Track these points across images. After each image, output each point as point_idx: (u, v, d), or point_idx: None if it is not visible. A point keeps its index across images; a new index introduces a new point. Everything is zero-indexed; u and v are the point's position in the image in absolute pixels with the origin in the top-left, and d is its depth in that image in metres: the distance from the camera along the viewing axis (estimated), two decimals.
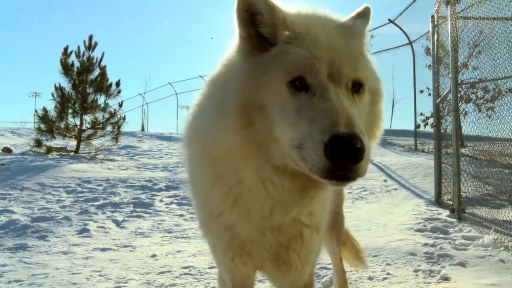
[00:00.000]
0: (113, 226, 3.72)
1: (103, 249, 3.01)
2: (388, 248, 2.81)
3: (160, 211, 4.36)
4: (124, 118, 9.81)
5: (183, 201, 4.67)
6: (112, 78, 10.01)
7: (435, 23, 4.66)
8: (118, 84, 9.74)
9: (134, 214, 4.17)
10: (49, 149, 8.70)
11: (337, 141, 0.71)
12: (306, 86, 0.82)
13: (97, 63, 9.45)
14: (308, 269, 1.11)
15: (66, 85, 9.24)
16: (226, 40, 0.97)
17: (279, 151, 0.84)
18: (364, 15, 1.02)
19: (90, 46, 9.43)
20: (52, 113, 9.09)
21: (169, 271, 2.50)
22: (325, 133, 0.72)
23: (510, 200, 3.62)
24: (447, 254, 2.66)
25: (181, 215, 4.19)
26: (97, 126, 9.46)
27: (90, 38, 9.49)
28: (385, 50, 11.01)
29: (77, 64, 9.30)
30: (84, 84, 9.29)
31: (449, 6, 3.94)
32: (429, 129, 8.70)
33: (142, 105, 22.99)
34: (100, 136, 9.62)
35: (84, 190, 5.19)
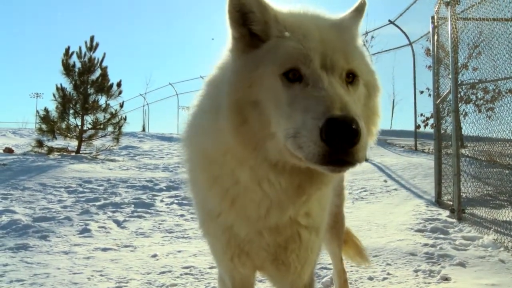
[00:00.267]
0: (114, 226, 3.73)
1: (104, 249, 3.02)
2: (388, 248, 2.82)
3: (161, 211, 4.37)
4: (125, 119, 9.85)
5: (184, 201, 4.68)
6: (113, 78, 10.07)
7: (435, 24, 4.67)
8: (119, 84, 9.77)
9: (135, 214, 4.18)
10: (51, 150, 8.73)
11: (332, 123, 0.70)
12: (300, 77, 0.81)
13: (98, 64, 9.48)
14: (308, 270, 1.11)
15: (68, 85, 9.29)
16: (227, 42, 0.97)
17: (275, 146, 0.83)
18: (360, 9, 1.02)
19: (92, 47, 9.47)
20: (54, 113, 9.14)
21: (170, 271, 2.50)
22: (319, 118, 0.71)
23: (510, 200, 3.62)
24: (447, 254, 2.66)
25: (182, 215, 4.20)
26: (98, 127, 9.50)
27: (92, 39, 9.53)
28: (386, 51, 11.03)
29: (78, 64, 9.35)
30: (86, 85, 9.33)
31: (449, 7, 3.95)
32: (429, 129, 8.70)
33: (143, 106, 23.05)
34: (101, 137, 9.65)
35: (85, 190, 5.20)
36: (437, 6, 4.60)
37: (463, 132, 4.31)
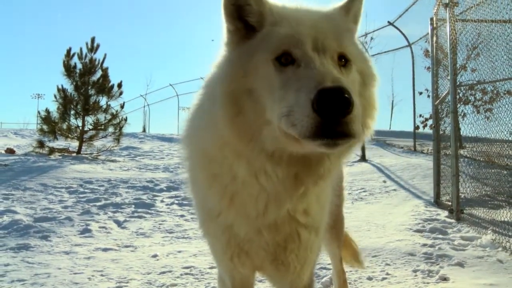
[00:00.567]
0: (114, 227, 3.75)
1: (105, 249, 3.03)
2: (387, 249, 2.83)
3: (161, 211, 4.39)
4: (125, 119, 9.89)
5: (184, 202, 4.70)
6: (114, 79, 10.10)
7: (434, 25, 4.69)
8: (120, 85, 9.81)
9: (136, 214, 4.19)
10: (52, 150, 8.76)
11: (323, 93, 0.70)
12: (292, 61, 0.82)
13: (99, 65, 9.52)
14: (307, 270, 1.10)
15: (69, 86, 9.34)
16: (223, 35, 0.98)
17: (271, 133, 0.83)
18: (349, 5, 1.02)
19: (93, 48, 9.50)
20: (55, 114, 9.17)
21: (170, 271, 2.52)
22: (311, 92, 0.71)
23: (508, 200, 3.63)
24: (445, 254, 2.67)
25: (182, 216, 4.21)
26: (99, 127, 9.53)
27: (93, 40, 9.57)
28: (385, 52, 11.06)
29: (79, 65, 9.39)
30: (86, 86, 9.36)
31: (448, 8, 3.97)
32: (428, 130, 8.70)
33: (144, 107, 23.08)
34: (102, 137, 9.68)
35: (86, 190, 5.22)
36: (436, 8, 4.62)
37: (461, 133, 4.33)
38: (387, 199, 4.95)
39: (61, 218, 3.86)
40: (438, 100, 4.57)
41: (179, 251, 2.98)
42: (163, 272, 2.51)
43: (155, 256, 2.86)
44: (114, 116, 9.60)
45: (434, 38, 4.71)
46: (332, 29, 0.88)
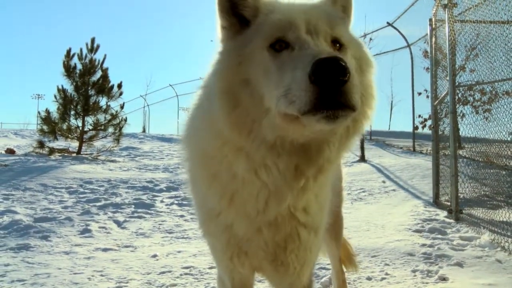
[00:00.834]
0: (114, 227, 3.76)
1: (105, 249, 3.04)
2: (386, 249, 2.83)
3: (161, 211, 4.39)
4: (125, 120, 9.89)
5: (184, 202, 4.71)
6: (114, 80, 10.11)
7: (433, 26, 4.71)
8: (119, 86, 9.81)
9: (135, 214, 4.20)
10: (52, 150, 8.77)
11: (319, 63, 0.69)
12: (287, 45, 0.83)
13: (99, 65, 9.53)
14: (307, 271, 1.09)
15: (69, 87, 9.34)
16: (217, 32, 0.99)
17: (271, 122, 0.82)
18: None
19: (93, 49, 9.51)
20: (55, 114, 9.18)
21: (169, 271, 2.52)
22: (307, 66, 0.71)
23: (507, 201, 3.64)
24: (444, 254, 2.67)
25: (182, 216, 4.22)
26: (99, 128, 9.53)
27: (93, 40, 9.58)
28: (384, 52, 11.07)
29: (79, 66, 9.39)
30: (86, 86, 9.37)
31: (446, 9, 3.98)
32: (427, 130, 8.72)
33: (144, 107, 23.06)
34: (102, 138, 9.68)
35: (86, 191, 5.23)
36: (434, 9, 4.64)
37: (460, 133, 4.34)
38: (386, 199, 4.96)
39: (61, 218, 3.86)
40: (437, 101, 4.58)
41: (179, 251, 2.99)
42: (163, 272, 2.52)
43: (154, 256, 2.87)
44: (114, 116, 9.61)
45: (433, 39, 4.73)
46: (323, 14, 0.89)
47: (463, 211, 3.69)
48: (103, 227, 3.69)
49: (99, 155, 9.05)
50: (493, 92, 4.53)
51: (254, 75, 0.84)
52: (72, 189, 5.26)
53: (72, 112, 9.33)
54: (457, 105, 4.22)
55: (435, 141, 4.64)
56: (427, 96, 7.73)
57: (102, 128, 9.54)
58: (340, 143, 0.90)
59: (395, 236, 3.21)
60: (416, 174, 6.11)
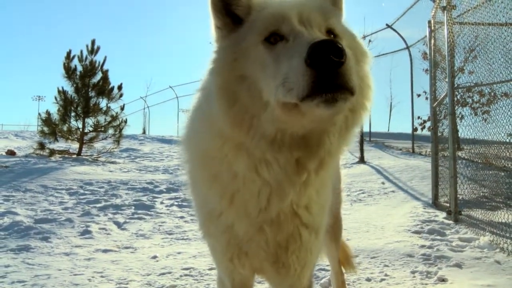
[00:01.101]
0: (114, 228, 3.76)
1: (105, 251, 3.04)
2: (386, 250, 2.84)
3: (161, 213, 4.40)
4: (125, 121, 9.92)
5: (184, 203, 4.72)
6: (114, 81, 10.14)
7: (432, 28, 4.73)
8: (120, 87, 9.84)
9: (135, 216, 4.21)
10: (52, 152, 8.78)
11: (315, 46, 0.69)
12: (281, 37, 0.83)
13: (100, 67, 9.56)
14: (307, 272, 1.09)
15: (69, 88, 9.37)
16: (211, 33, 1.00)
17: (270, 115, 0.82)
18: None
19: (93, 50, 9.55)
20: (55, 116, 9.20)
21: (169, 273, 2.53)
22: (303, 52, 0.71)
23: (506, 202, 3.64)
24: (444, 255, 2.68)
25: (182, 217, 4.23)
26: (99, 129, 9.56)
27: (93, 42, 9.62)
28: (383, 54, 11.10)
29: (79, 68, 9.43)
30: (87, 88, 9.40)
31: (445, 11, 4.01)
32: (426, 132, 8.71)
33: (144, 109, 23.10)
34: (102, 139, 9.71)
35: (86, 192, 5.24)
36: (433, 11, 4.67)
37: (459, 135, 4.35)
38: (385, 200, 4.97)
39: (61, 219, 3.87)
40: (436, 102, 4.59)
41: (179, 253, 2.99)
42: (163, 274, 2.52)
43: (154, 257, 2.88)
44: (114, 118, 9.63)
45: (432, 41, 4.75)
46: (316, 7, 0.90)
47: (462, 212, 3.70)
48: (103, 228, 3.69)
49: (99, 157, 9.06)
50: (492, 94, 4.56)
51: (251, 70, 0.84)
52: (72, 191, 5.27)
53: (73, 114, 9.36)
54: (456, 107, 4.24)
55: (434, 142, 4.66)
56: (426, 98, 7.77)
57: (102, 129, 9.56)
58: (340, 135, 0.89)
59: (394, 237, 3.22)
60: (415, 175, 6.12)
